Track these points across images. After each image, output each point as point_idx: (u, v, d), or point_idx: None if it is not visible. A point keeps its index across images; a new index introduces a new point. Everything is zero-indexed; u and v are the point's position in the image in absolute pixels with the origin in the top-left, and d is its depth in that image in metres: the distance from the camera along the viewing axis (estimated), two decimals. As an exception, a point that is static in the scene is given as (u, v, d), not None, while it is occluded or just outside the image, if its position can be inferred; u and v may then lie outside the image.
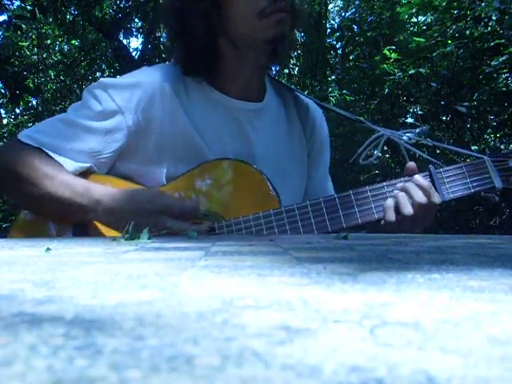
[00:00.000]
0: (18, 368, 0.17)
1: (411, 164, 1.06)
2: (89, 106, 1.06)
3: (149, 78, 1.07)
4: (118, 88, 1.05)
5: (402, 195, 1.01)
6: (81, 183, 1.00)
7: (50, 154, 1.01)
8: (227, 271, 0.39)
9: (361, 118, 1.18)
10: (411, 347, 0.19)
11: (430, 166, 1.06)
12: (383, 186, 1.04)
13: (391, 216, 1.00)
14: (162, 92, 1.06)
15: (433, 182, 1.03)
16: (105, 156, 1.05)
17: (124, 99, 1.04)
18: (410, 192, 1.01)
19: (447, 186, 1.04)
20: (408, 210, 1.00)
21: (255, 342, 0.20)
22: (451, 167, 1.06)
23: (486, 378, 0.16)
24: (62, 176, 1.00)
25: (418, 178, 1.02)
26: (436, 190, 1.02)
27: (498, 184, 1.04)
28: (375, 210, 1.02)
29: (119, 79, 1.11)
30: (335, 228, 1.01)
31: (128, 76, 1.12)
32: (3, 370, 0.16)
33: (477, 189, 1.04)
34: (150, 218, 0.94)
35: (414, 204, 1.00)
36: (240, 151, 1.07)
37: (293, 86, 1.33)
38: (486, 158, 1.06)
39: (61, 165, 1.02)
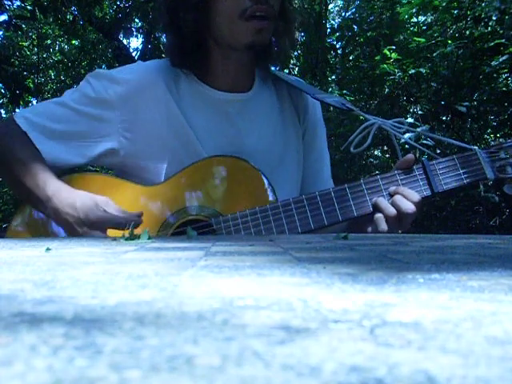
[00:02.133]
0: (17, 368, 0.17)
1: (409, 156, 1.07)
2: (83, 91, 1.10)
3: (142, 73, 1.10)
4: (111, 81, 1.08)
5: (380, 200, 1.02)
6: (43, 176, 1.03)
7: (33, 140, 1.06)
8: (227, 271, 0.39)
9: (351, 106, 1.18)
10: (411, 347, 0.19)
11: (423, 158, 1.07)
12: (378, 179, 1.05)
13: (384, 227, 1.02)
14: (154, 88, 1.08)
15: (426, 174, 1.05)
16: (91, 141, 1.08)
17: (116, 92, 1.07)
18: (398, 204, 1.01)
19: (440, 177, 1.05)
20: (390, 210, 1.01)
21: (255, 341, 0.20)
22: (444, 159, 1.07)
23: (486, 378, 0.16)
24: (32, 164, 1.03)
25: (404, 189, 1.03)
26: (429, 183, 1.04)
27: (490, 175, 1.05)
28: (370, 203, 1.04)
29: (114, 72, 1.12)
30: (331, 221, 1.03)
31: (122, 70, 1.14)
32: (3, 370, 0.16)
33: (469, 180, 1.05)
34: (83, 227, 0.97)
35: (401, 213, 1.01)
36: (230, 142, 1.09)
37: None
38: (477, 149, 1.07)
39: (38, 151, 1.06)
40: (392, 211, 1.01)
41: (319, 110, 1.26)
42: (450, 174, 1.05)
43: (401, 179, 1.05)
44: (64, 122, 1.08)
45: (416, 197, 1.02)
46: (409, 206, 1.00)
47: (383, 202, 1.02)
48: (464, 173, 1.05)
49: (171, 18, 1.09)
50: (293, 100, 1.21)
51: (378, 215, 1.02)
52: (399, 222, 1.02)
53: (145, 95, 1.07)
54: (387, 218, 1.01)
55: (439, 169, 1.05)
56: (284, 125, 1.18)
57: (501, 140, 4.08)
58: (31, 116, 1.09)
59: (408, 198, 1.01)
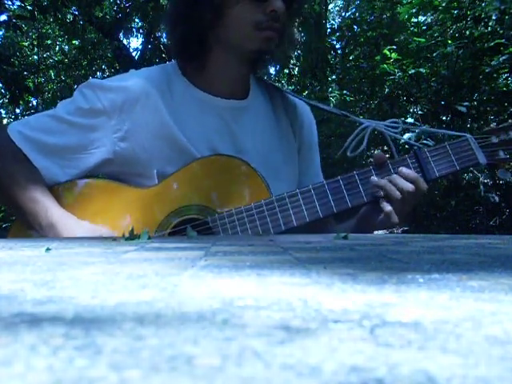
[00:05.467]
0: (18, 368, 0.17)
1: (378, 153, 1.09)
2: (77, 103, 1.09)
3: (135, 81, 1.10)
4: (104, 90, 1.08)
5: (387, 184, 1.03)
6: (45, 202, 1.03)
7: (30, 158, 1.06)
8: (227, 271, 0.39)
9: (346, 113, 1.20)
10: (411, 347, 0.19)
11: (415, 147, 1.09)
12: (370, 170, 1.06)
13: (387, 207, 1.03)
14: (147, 95, 1.08)
15: (419, 162, 1.06)
16: (89, 152, 1.07)
17: (110, 101, 1.07)
18: (397, 184, 1.03)
19: (433, 165, 1.06)
20: (396, 194, 1.02)
21: (255, 342, 0.20)
22: (435, 147, 1.08)
23: (486, 378, 0.16)
24: (32, 189, 1.04)
25: (403, 170, 1.04)
26: (422, 170, 1.05)
27: (482, 160, 1.06)
28: (364, 193, 1.04)
29: (107, 81, 1.13)
30: (326, 213, 1.03)
31: (116, 79, 1.15)
32: (3, 370, 0.16)
33: (462, 166, 1.07)
34: None
35: (403, 193, 1.02)
36: (227, 148, 1.09)
37: (292, 86, 1.33)
38: (468, 136, 1.08)
39: (37, 170, 1.06)
40: (395, 192, 1.02)
41: (315, 125, 1.27)
42: (443, 161, 1.06)
43: (393, 168, 1.06)
44: (58, 135, 1.08)
45: (414, 179, 1.03)
46: (406, 185, 1.02)
47: (391, 189, 1.03)
48: (456, 159, 1.06)
49: (186, 10, 1.09)
50: (288, 113, 1.22)
51: (387, 208, 1.03)
52: (403, 201, 1.03)
53: (138, 104, 1.07)
54: (390, 198, 1.02)
55: (431, 156, 1.06)
56: (279, 135, 1.18)
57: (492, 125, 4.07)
58: (25, 130, 1.08)
59: (401, 188, 1.03)
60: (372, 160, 1.09)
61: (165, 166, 1.07)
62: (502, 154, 1.07)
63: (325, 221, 1.10)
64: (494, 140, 1.07)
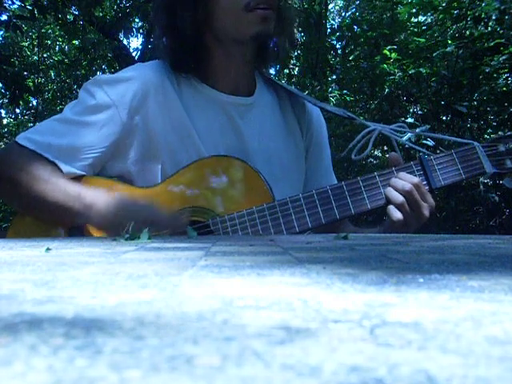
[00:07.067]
0: (17, 368, 0.17)
1: (393, 154, 1.08)
2: (83, 101, 1.07)
3: (143, 73, 1.08)
4: (111, 83, 1.07)
5: (388, 189, 1.03)
6: (73, 187, 1.01)
7: (45, 155, 1.03)
8: (227, 271, 0.39)
9: (352, 115, 1.18)
10: (411, 347, 0.19)
11: (420, 154, 1.07)
12: (375, 176, 1.05)
13: (397, 215, 1.01)
14: (157, 86, 1.06)
15: (424, 170, 1.04)
16: (99, 150, 1.05)
17: (118, 93, 1.05)
18: (394, 185, 1.02)
19: (438, 173, 1.04)
20: (397, 198, 1.01)
21: (255, 341, 0.20)
22: (441, 155, 1.06)
23: (486, 378, 0.16)
24: (56, 180, 1.02)
25: (401, 174, 1.04)
26: (427, 178, 1.03)
27: (489, 169, 1.04)
28: (368, 200, 1.03)
29: (113, 75, 1.12)
30: (329, 220, 1.02)
31: (122, 72, 1.13)
32: (3, 370, 0.16)
33: (468, 175, 1.05)
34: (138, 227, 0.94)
35: (402, 192, 1.01)
36: (232, 145, 1.08)
37: (293, 86, 1.33)
38: (476, 144, 1.06)
39: (56, 166, 1.03)
40: (399, 197, 1.01)
41: (324, 122, 1.26)
42: (448, 169, 1.04)
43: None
44: (68, 137, 1.05)
45: (410, 178, 1.02)
46: (402, 184, 1.01)
47: (391, 191, 1.02)
48: (463, 167, 1.04)
49: (169, 17, 1.07)
50: (295, 111, 1.20)
51: (389, 206, 1.02)
52: (412, 210, 1.01)
53: (149, 95, 1.05)
54: (399, 207, 1.01)
55: (437, 164, 1.04)
56: (285, 130, 1.17)
57: (499, 133, 4.07)
58: (34, 136, 1.05)
59: (403, 180, 1.02)
60: (372, 160, 1.08)
61: (169, 162, 1.05)
62: (509, 164, 1.04)
63: (338, 225, 1.09)
64: (502, 148, 1.05)
